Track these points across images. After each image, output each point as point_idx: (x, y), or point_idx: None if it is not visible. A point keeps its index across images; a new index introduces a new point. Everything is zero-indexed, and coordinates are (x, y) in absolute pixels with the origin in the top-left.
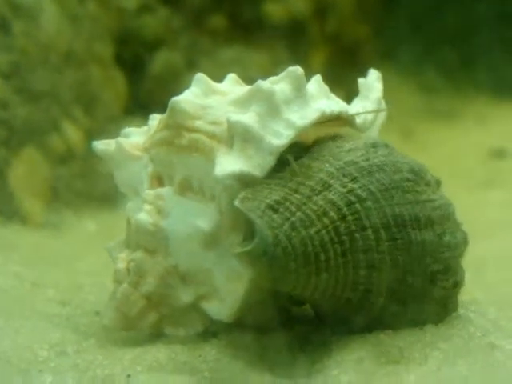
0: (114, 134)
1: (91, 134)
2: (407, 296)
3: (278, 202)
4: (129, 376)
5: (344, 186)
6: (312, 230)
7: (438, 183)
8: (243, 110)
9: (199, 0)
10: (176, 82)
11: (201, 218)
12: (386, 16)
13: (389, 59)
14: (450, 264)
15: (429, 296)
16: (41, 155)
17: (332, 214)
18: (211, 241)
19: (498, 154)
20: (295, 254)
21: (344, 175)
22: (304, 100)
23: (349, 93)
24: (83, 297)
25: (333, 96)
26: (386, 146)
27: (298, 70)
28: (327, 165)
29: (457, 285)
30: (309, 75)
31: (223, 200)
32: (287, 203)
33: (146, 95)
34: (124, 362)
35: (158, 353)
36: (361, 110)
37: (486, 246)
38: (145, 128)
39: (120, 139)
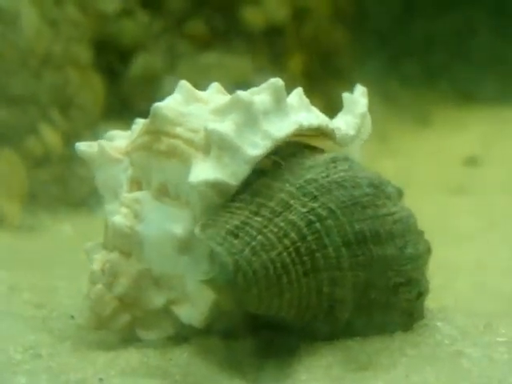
0: (91, 137)
1: (69, 138)
2: (372, 309)
3: (237, 227)
4: (101, 380)
5: (304, 206)
6: (273, 253)
7: (400, 193)
8: (222, 118)
9: (179, 4)
10: (155, 86)
11: (175, 223)
12: (353, 28)
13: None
14: (412, 276)
15: (393, 308)
16: (18, 158)
17: (293, 234)
18: (184, 246)
19: (470, 161)
20: (256, 278)
21: (304, 194)
22: (283, 112)
23: (326, 97)
24: (59, 300)
25: (314, 109)
26: (346, 159)
27: (278, 81)
28: (287, 184)
29: (421, 295)
30: (286, 80)
31: (197, 207)
32: (247, 227)
33: (125, 99)
34: (97, 365)
35: (131, 357)
36: (343, 125)
37: (456, 252)
38: (128, 132)
39: (102, 142)
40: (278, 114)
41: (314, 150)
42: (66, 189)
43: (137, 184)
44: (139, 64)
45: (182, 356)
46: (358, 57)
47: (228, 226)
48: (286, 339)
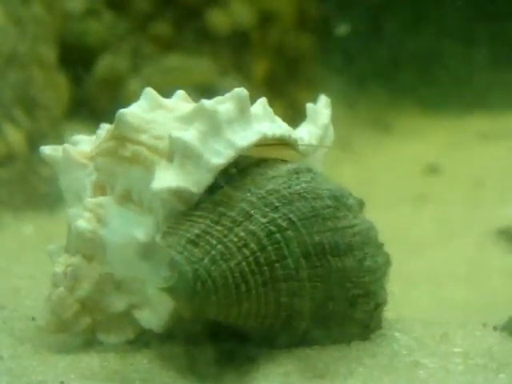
0: (55, 137)
1: (32, 137)
2: (329, 320)
3: (198, 236)
4: (62, 383)
5: (265, 216)
6: (232, 263)
7: (361, 205)
8: (187, 126)
9: (144, 6)
10: (119, 87)
11: (138, 228)
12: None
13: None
14: (370, 288)
15: (351, 319)
16: None
17: (252, 245)
18: (146, 252)
19: (431, 169)
20: (215, 287)
21: (265, 205)
22: (247, 121)
23: (290, 103)
24: (20, 301)
25: (277, 119)
26: (309, 170)
27: (242, 91)
28: (249, 194)
29: (378, 306)
30: (249, 86)
31: (160, 213)
32: (208, 236)
33: (88, 99)
34: (58, 368)
35: (91, 361)
36: (305, 135)
37: (415, 262)
38: (93, 137)
39: (67, 146)
40: (241, 123)
41: (276, 160)
42: (28, 189)
43: (101, 189)
44: (103, 65)
45: (142, 361)
46: (323, 66)
47: (188, 235)
48: (244, 347)
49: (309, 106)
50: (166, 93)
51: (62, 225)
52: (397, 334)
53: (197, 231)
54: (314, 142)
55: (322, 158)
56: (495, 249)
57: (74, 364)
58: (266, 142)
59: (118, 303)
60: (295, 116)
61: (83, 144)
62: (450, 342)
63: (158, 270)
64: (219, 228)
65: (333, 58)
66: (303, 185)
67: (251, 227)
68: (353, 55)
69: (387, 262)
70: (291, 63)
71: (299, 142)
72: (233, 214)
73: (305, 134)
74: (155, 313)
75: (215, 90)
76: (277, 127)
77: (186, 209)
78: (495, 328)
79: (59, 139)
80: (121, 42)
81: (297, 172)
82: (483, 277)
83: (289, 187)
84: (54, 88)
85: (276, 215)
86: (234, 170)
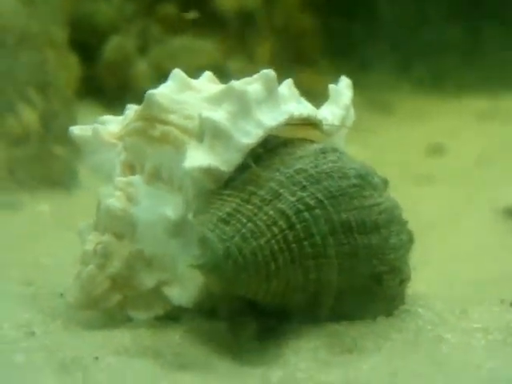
0: (66, 116)
1: (45, 117)
2: (356, 295)
3: (229, 214)
4: (96, 358)
5: (293, 195)
6: (262, 240)
7: (386, 183)
8: (216, 107)
9: None
10: (127, 68)
11: (168, 206)
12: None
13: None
14: (395, 265)
15: (377, 295)
16: None
17: (281, 223)
18: (176, 229)
19: (437, 149)
20: (246, 264)
21: (293, 184)
22: (275, 102)
23: (294, 82)
24: (46, 278)
25: (303, 100)
26: (335, 150)
27: (270, 72)
28: (277, 173)
29: (403, 282)
30: (256, 66)
31: (190, 191)
32: (238, 215)
33: (98, 79)
34: (91, 344)
35: (123, 336)
36: (329, 115)
37: (425, 240)
38: (120, 117)
39: (97, 126)
40: (269, 103)
41: (303, 140)
42: (43, 168)
43: (130, 168)
44: (112, 46)
45: (174, 337)
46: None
47: (220, 213)
48: (273, 322)
49: (331, 86)
50: (171, 73)
51: (77, 203)
52: (420, 310)
53: (228, 209)
54: (336, 122)
55: (344, 137)
56: (502, 227)
57: (107, 340)
58: (292, 122)
59: (148, 280)
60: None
61: (112, 124)
62: (469, 317)
63: (187, 247)
64: (249, 207)
65: (336, 40)
66: (330, 164)
67: (280, 206)
68: (355, 37)
69: (411, 240)
70: (295, 44)
71: (323, 122)
72: (262, 192)
73: (328, 114)
74: (185, 289)
75: (221, 71)
76: (303, 107)
77: (215, 187)
78: None
79: (71, 119)
80: (129, 24)
81: (323, 152)
82: (492, 255)
83: (316, 166)
84: (66, 68)
85: (304, 194)
86: (260, 150)
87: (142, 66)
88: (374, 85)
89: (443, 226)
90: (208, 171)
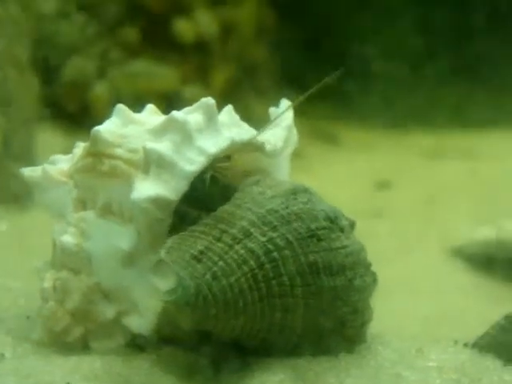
0: (26, 136)
1: (5, 135)
2: (319, 334)
3: (201, 252)
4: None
5: (264, 235)
6: (232, 279)
7: (353, 225)
8: (159, 138)
9: (114, 11)
10: (86, 89)
11: (120, 238)
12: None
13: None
14: (358, 306)
15: (339, 334)
16: None
17: (251, 262)
18: (130, 260)
19: (383, 184)
20: (215, 301)
21: (264, 223)
22: (215, 129)
23: (246, 110)
24: (12, 300)
25: (244, 124)
26: (306, 191)
27: (209, 100)
28: (249, 213)
29: (364, 324)
30: (210, 94)
31: (140, 222)
32: (210, 253)
33: (57, 100)
34: (62, 369)
35: (94, 362)
36: (271, 137)
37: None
38: (69, 155)
39: (46, 166)
40: (211, 131)
41: (275, 179)
42: (0, 186)
43: (82, 204)
44: (72, 67)
45: (143, 365)
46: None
47: (192, 251)
48: (238, 354)
49: (272, 109)
50: (130, 97)
51: (33, 222)
52: (379, 348)
53: (200, 247)
54: (280, 143)
55: (289, 159)
56: (451, 266)
57: (78, 365)
58: (234, 147)
59: (107, 312)
60: (248, 122)
61: (61, 163)
62: (425, 356)
63: (142, 276)
64: (220, 245)
65: (283, 69)
66: (300, 205)
67: (250, 245)
68: (300, 67)
69: (374, 281)
70: (248, 73)
71: (266, 145)
72: (234, 231)
73: (270, 136)
74: (143, 317)
75: (177, 97)
76: (244, 132)
77: (164, 216)
78: (466, 345)
79: (30, 138)
80: (89, 46)
81: (294, 193)
82: (442, 293)
83: (287, 207)
84: (27, 88)
85: (274, 234)
86: (207, 176)
87: (99, 89)
88: (321, 115)
89: (392, 261)
90: (156, 201)
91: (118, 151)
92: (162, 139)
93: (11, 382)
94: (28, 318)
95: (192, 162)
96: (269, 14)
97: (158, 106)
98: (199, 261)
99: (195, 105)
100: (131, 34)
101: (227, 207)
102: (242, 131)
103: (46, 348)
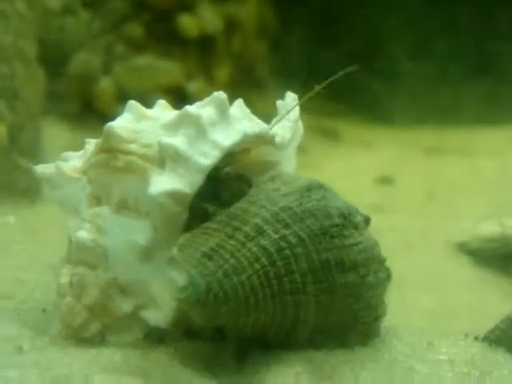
0: (32, 130)
1: (12, 130)
2: (332, 330)
3: (212, 250)
4: (87, 376)
5: (276, 232)
6: (243, 276)
7: (367, 221)
8: (173, 133)
9: (119, 6)
10: (91, 84)
11: (137, 233)
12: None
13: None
14: (371, 302)
15: (352, 330)
16: None
17: (263, 259)
18: (147, 254)
19: (384, 179)
20: (226, 299)
21: (277, 221)
22: (228, 122)
23: (247, 105)
24: (28, 292)
25: (254, 117)
26: (320, 187)
27: (221, 94)
28: (263, 210)
29: (378, 318)
30: (214, 88)
31: (157, 216)
32: (222, 251)
33: (63, 94)
34: (81, 362)
35: (113, 355)
36: (279, 130)
37: None
38: (81, 152)
39: (59, 163)
40: (223, 124)
41: (290, 176)
42: (9, 179)
43: (96, 200)
44: (77, 62)
45: (161, 357)
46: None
47: (203, 249)
48: (256, 346)
49: (279, 102)
50: (135, 92)
51: (42, 216)
52: (394, 341)
53: (212, 245)
54: (288, 135)
55: (295, 150)
56: (455, 261)
57: (97, 357)
58: (247, 140)
59: (125, 306)
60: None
61: (73, 159)
62: (437, 350)
63: (159, 270)
64: (233, 242)
65: (284, 65)
66: (314, 202)
67: (263, 242)
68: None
69: (388, 277)
70: (248, 69)
71: (275, 137)
72: (247, 228)
73: (278, 129)
74: (161, 311)
75: (182, 91)
76: (255, 125)
77: (181, 209)
78: (476, 338)
79: (37, 132)
80: (95, 41)
81: (308, 189)
82: (447, 288)
83: (300, 205)
84: (34, 82)
85: (287, 232)
86: (227, 170)
87: (104, 83)
88: (324, 111)
89: (397, 257)
90: (173, 195)
91: (132, 147)
92: (176, 134)
93: (34, 374)
94: (44, 310)
95: (207, 156)
96: (271, 11)
97: (166, 100)
98: (210, 258)
99: (207, 99)
100: (136, 29)
101: (241, 204)
102: (254, 124)
103: (64, 341)
